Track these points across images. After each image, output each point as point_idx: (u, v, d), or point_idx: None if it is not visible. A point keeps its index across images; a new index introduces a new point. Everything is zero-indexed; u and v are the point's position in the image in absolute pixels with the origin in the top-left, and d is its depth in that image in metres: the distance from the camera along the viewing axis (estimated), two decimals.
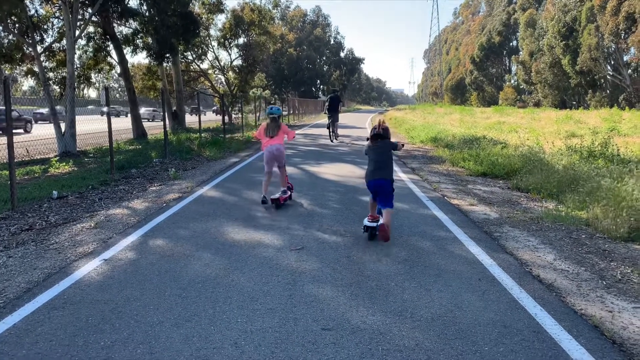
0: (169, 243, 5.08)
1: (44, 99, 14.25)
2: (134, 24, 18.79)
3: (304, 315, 3.36)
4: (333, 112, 17.46)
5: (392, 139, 5.58)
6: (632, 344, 2.98)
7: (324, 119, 24.26)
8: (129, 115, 19.53)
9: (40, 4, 16.30)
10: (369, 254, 4.67)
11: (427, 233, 5.44)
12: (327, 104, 17.90)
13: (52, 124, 13.61)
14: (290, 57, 54.95)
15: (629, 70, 40.31)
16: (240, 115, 26.22)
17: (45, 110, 15.01)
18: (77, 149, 13.71)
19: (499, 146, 11.67)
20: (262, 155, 7.13)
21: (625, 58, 40.00)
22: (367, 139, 5.60)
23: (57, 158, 12.13)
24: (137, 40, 19.33)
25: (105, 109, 10.14)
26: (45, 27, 16.06)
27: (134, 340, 3.00)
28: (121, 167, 10.51)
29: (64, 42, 14.36)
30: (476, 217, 6.18)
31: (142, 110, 38.22)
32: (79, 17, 14.56)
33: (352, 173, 9.95)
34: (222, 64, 31.83)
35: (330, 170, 10.30)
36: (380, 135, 5.41)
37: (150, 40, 19.00)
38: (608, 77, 41.46)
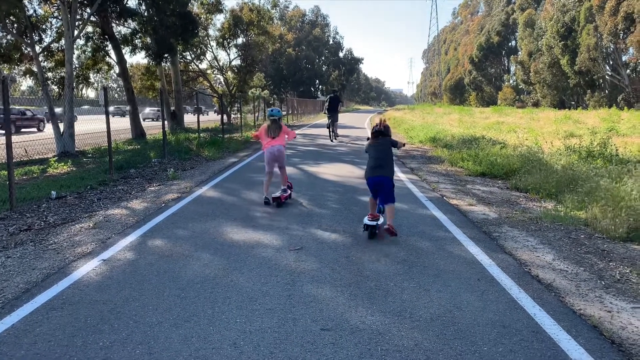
0: (167, 243, 5.08)
1: (42, 98, 14.23)
2: (132, 24, 18.78)
3: (303, 315, 3.36)
4: (333, 112, 17.63)
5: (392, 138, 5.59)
6: (630, 344, 2.98)
7: (323, 119, 24.27)
8: (131, 115, 19.53)
9: (38, 4, 16.27)
10: (368, 254, 4.67)
11: (426, 233, 5.44)
12: (326, 104, 18.04)
13: (51, 124, 13.59)
14: (289, 57, 54.96)
15: (628, 71, 40.38)
16: (239, 116, 26.21)
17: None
18: (76, 149, 13.69)
19: (498, 146, 11.68)
20: (261, 155, 7.16)
21: (624, 58, 40.08)
22: (368, 139, 5.60)
23: (56, 158, 12.11)
24: (136, 40, 19.32)
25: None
26: (43, 27, 16.04)
27: (132, 341, 3.00)
28: (120, 167, 10.50)
29: (63, 42, 14.33)
30: (475, 217, 6.19)
31: (147, 110, 38.26)
32: (78, 17, 14.54)
33: (351, 173, 9.95)
34: (220, 64, 31.83)
35: (329, 171, 10.29)
36: (381, 132, 5.41)
37: (149, 40, 18.99)
38: (607, 77, 41.52)
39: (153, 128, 22.95)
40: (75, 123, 13.62)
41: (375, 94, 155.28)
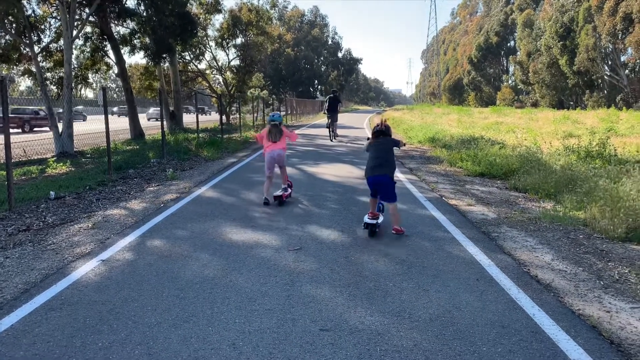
0: (166, 244, 5.07)
1: (41, 99, 14.21)
2: (131, 24, 18.78)
3: (302, 315, 3.35)
4: (332, 112, 17.80)
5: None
6: (629, 344, 2.98)
7: (322, 119, 24.28)
8: (130, 115, 19.52)
9: (37, 4, 16.26)
10: (367, 255, 4.67)
11: (425, 233, 5.44)
12: (326, 104, 18.20)
13: (51, 124, 13.58)
14: (288, 58, 54.90)
15: (626, 71, 40.41)
16: (238, 116, 26.20)
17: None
18: (75, 149, 13.68)
19: (497, 146, 11.69)
20: (260, 155, 7.20)
21: (623, 58, 40.10)
22: (368, 139, 5.61)
23: (55, 158, 12.10)
24: (135, 41, 19.32)
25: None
26: (42, 27, 16.02)
27: (132, 341, 3.00)
28: (119, 167, 10.49)
29: (61, 42, 14.33)
30: (474, 217, 6.19)
31: (151, 110, 38.30)
32: (77, 17, 14.53)
33: (351, 173, 9.95)
34: (219, 64, 31.83)
35: (328, 171, 10.30)
36: (382, 132, 5.42)
37: (147, 40, 18.98)
38: (605, 77, 41.57)
39: (152, 128, 22.92)
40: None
41: (374, 94, 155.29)
